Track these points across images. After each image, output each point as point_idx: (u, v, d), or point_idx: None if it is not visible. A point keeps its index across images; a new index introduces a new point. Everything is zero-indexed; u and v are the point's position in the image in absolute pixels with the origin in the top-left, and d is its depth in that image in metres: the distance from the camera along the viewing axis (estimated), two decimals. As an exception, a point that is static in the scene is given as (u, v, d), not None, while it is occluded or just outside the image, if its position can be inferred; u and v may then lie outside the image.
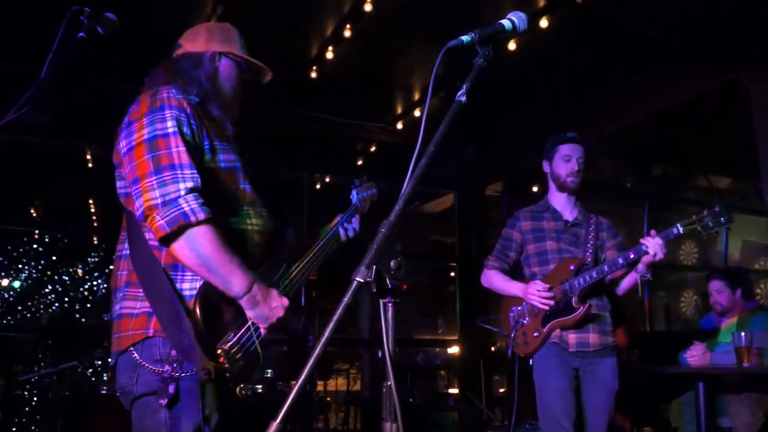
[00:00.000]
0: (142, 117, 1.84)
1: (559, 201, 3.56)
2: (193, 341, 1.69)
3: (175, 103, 1.87)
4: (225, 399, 1.79)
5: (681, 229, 3.10)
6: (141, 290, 1.83)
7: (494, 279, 3.64)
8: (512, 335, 3.44)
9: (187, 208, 1.72)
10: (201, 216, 1.73)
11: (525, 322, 3.41)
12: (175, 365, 1.73)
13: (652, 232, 3.11)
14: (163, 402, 1.71)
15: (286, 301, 1.89)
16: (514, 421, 3.59)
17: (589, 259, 3.40)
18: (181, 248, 1.74)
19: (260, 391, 1.70)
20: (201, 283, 1.80)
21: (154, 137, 1.80)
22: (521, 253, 3.61)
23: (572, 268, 3.32)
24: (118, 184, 1.96)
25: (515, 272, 3.65)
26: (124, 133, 1.86)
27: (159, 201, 1.73)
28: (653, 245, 3.07)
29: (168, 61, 2.11)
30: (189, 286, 1.81)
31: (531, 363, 3.41)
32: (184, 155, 1.79)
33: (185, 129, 1.84)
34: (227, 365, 1.75)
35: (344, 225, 2.45)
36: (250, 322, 1.85)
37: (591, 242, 3.44)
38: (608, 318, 3.38)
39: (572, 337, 3.28)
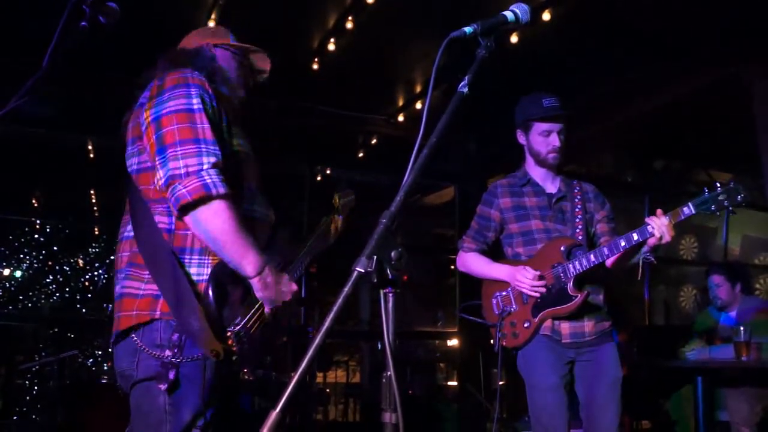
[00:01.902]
0: (168, 90, 1.87)
1: (538, 173, 3.20)
2: (204, 324, 1.71)
3: (198, 82, 1.91)
4: (226, 385, 1.82)
5: (693, 209, 2.71)
6: (146, 272, 1.83)
7: (473, 262, 3.25)
8: (498, 325, 3.05)
9: (209, 181, 1.74)
10: (222, 190, 1.76)
11: (512, 309, 3.04)
12: (176, 350, 1.74)
13: (659, 211, 2.73)
14: (163, 387, 1.72)
15: (294, 287, 1.92)
16: (497, 415, 3.32)
17: (580, 237, 3.04)
18: (199, 221, 1.76)
19: (261, 375, 1.74)
20: (210, 268, 1.82)
21: (181, 110, 1.83)
22: (501, 231, 3.22)
23: (563, 248, 2.96)
24: (131, 161, 1.95)
25: (495, 252, 3.29)
26: (151, 104, 1.87)
27: (182, 171, 1.75)
28: (659, 226, 2.69)
29: (170, 52, 2.14)
30: (197, 271, 1.83)
31: (513, 354, 3.07)
32: (208, 131, 1.82)
33: (208, 108, 1.88)
34: (236, 347, 1.77)
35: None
36: (255, 306, 1.87)
37: (579, 216, 3.09)
38: (602, 300, 3.05)
39: (565, 326, 2.95)
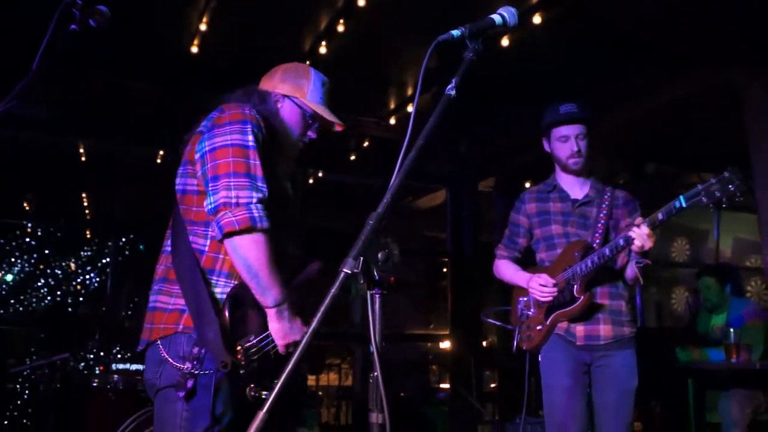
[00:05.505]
0: (228, 124, 1.99)
1: (566, 180, 3.24)
2: (217, 334, 1.83)
3: (255, 120, 2.02)
4: (239, 399, 1.90)
5: (684, 203, 2.63)
6: (176, 287, 1.96)
7: (503, 269, 3.38)
8: (518, 328, 3.19)
9: (256, 214, 1.87)
10: (265, 225, 1.89)
11: (530, 314, 3.15)
12: (195, 363, 1.85)
13: (638, 219, 2.73)
14: (181, 394, 1.84)
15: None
16: (524, 418, 3.34)
17: (597, 242, 3.05)
18: (238, 248, 1.88)
19: (265, 396, 1.77)
20: (233, 286, 1.94)
21: (237, 145, 1.95)
22: (532, 237, 3.30)
23: (577, 254, 3.00)
24: (179, 180, 2.07)
25: (530, 258, 3.38)
26: (208, 135, 1.99)
27: (233, 201, 1.88)
28: (638, 235, 2.68)
29: (248, 88, 2.25)
30: (221, 290, 1.95)
31: (540, 358, 3.13)
32: (259, 169, 1.95)
33: (261, 146, 1.99)
34: (243, 362, 1.87)
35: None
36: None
37: (602, 222, 3.10)
38: (624, 306, 3.05)
39: (580, 329, 2.99)
